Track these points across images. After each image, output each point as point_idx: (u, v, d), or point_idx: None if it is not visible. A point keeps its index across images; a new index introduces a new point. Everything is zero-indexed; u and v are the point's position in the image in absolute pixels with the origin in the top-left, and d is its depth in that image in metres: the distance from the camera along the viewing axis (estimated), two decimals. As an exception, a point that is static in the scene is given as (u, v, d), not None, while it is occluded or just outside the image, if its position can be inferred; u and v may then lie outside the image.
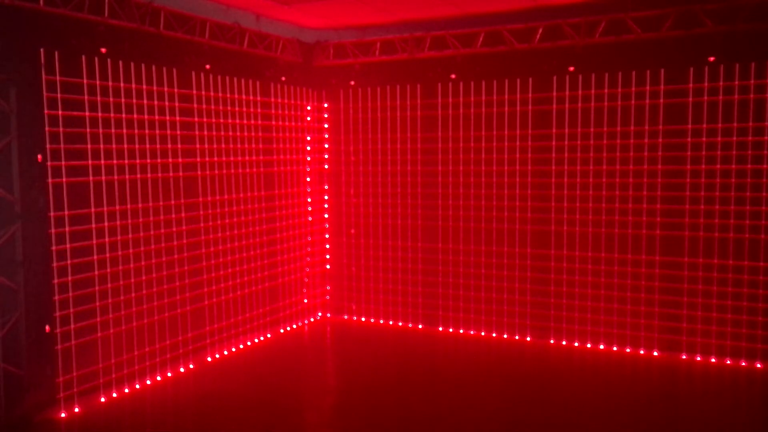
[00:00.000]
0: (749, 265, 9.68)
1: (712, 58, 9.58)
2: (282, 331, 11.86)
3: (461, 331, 11.67)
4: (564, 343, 10.88)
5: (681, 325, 10.13)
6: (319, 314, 12.86)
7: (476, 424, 7.95)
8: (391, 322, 12.29)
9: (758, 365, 9.63)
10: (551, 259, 10.95)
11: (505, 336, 11.30)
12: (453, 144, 11.58)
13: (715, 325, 9.93)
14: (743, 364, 9.73)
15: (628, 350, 10.44)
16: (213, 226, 10.40)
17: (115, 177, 8.79)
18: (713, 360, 9.90)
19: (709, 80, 9.71)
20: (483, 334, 11.48)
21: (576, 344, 10.77)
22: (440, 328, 11.85)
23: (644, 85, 10.09)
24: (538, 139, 10.91)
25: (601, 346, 10.61)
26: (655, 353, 10.27)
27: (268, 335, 11.53)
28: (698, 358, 10.02)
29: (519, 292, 11.23)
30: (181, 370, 9.74)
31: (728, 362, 9.84)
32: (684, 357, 10.09)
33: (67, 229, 8.18)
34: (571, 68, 10.42)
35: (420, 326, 12.03)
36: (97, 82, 8.52)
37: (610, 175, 10.44)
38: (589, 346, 10.69)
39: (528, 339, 11.15)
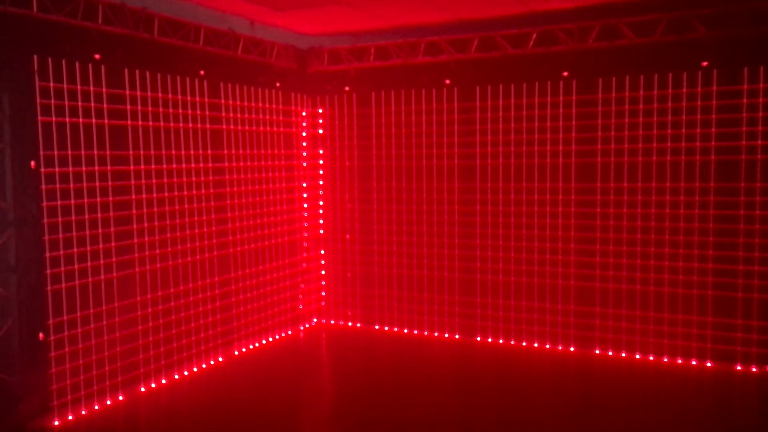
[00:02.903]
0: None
1: (705, 63, 9.63)
2: (277, 337, 11.83)
3: (457, 336, 11.67)
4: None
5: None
6: (315, 320, 12.84)
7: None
8: (386, 328, 12.27)
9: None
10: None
11: (501, 341, 11.32)
12: (448, 149, 11.58)
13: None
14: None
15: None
16: (207, 232, 10.38)
17: (110, 183, 8.76)
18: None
19: (702, 85, 9.76)
20: (479, 339, 11.48)
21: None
22: (436, 334, 11.84)
23: (638, 90, 10.13)
24: (532, 144, 10.91)
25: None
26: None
27: (263, 341, 11.50)
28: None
29: (515, 296, 11.23)
30: (176, 377, 9.70)
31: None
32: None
33: (60, 236, 8.15)
34: (565, 73, 10.48)
35: (416, 332, 12.01)
36: (91, 89, 8.51)
37: (604, 179, 10.47)
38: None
39: (536, 344, 11.16)
